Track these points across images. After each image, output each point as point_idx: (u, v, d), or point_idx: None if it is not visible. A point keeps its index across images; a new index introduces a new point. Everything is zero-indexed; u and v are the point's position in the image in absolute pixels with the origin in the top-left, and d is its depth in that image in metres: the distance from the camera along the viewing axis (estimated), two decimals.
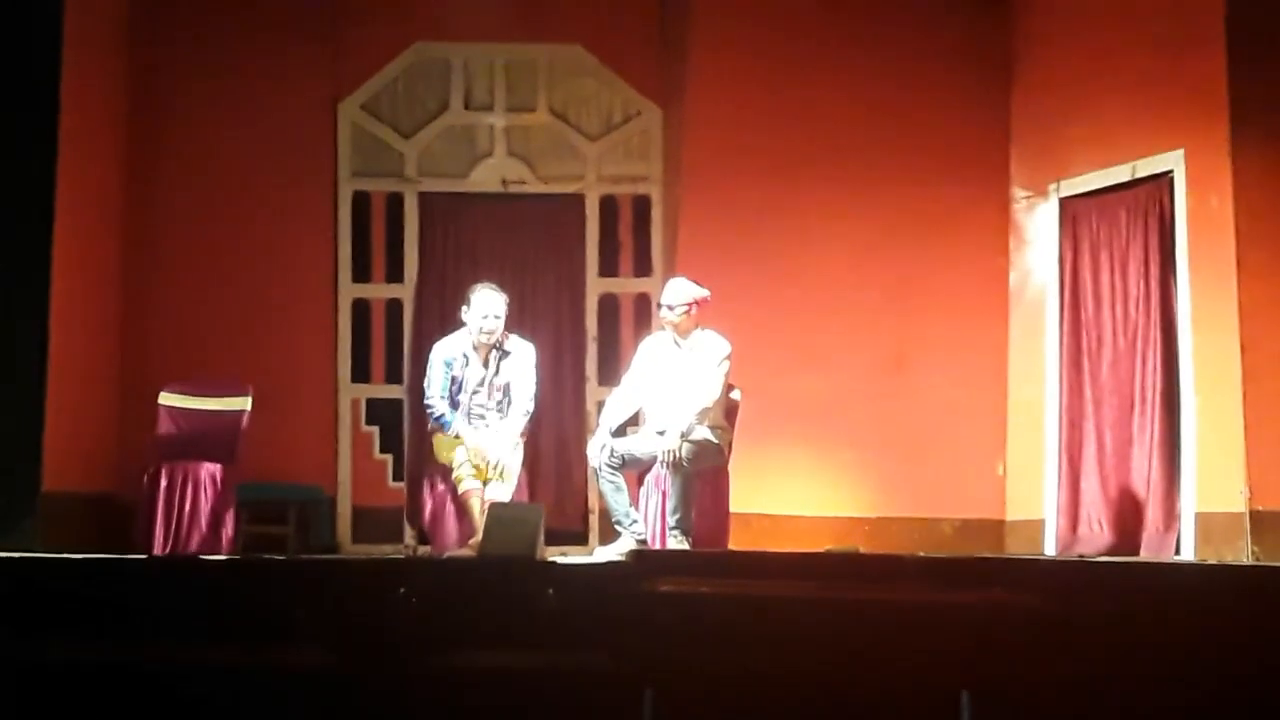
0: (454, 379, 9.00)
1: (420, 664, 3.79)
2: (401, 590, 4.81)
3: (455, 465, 8.82)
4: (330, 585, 5.02)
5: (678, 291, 8.99)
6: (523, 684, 3.66)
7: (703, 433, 8.73)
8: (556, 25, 11.07)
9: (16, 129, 9.35)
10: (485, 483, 8.77)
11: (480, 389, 9.00)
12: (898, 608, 5.48)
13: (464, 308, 9.05)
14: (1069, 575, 6.23)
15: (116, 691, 3.43)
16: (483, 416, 8.98)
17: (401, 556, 9.33)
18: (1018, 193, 10.54)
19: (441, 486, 8.92)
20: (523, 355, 9.09)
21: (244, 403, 9.63)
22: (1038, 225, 10.38)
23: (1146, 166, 9.51)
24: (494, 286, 9.06)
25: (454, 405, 8.96)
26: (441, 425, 8.96)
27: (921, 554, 8.38)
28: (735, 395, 9.11)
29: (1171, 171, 9.32)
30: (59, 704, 3.49)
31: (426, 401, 9.06)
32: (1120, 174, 9.68)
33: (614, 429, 8.92)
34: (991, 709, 5.13)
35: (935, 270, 10.57)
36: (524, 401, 9.01)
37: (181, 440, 9.47)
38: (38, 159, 9.42)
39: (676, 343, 8.98)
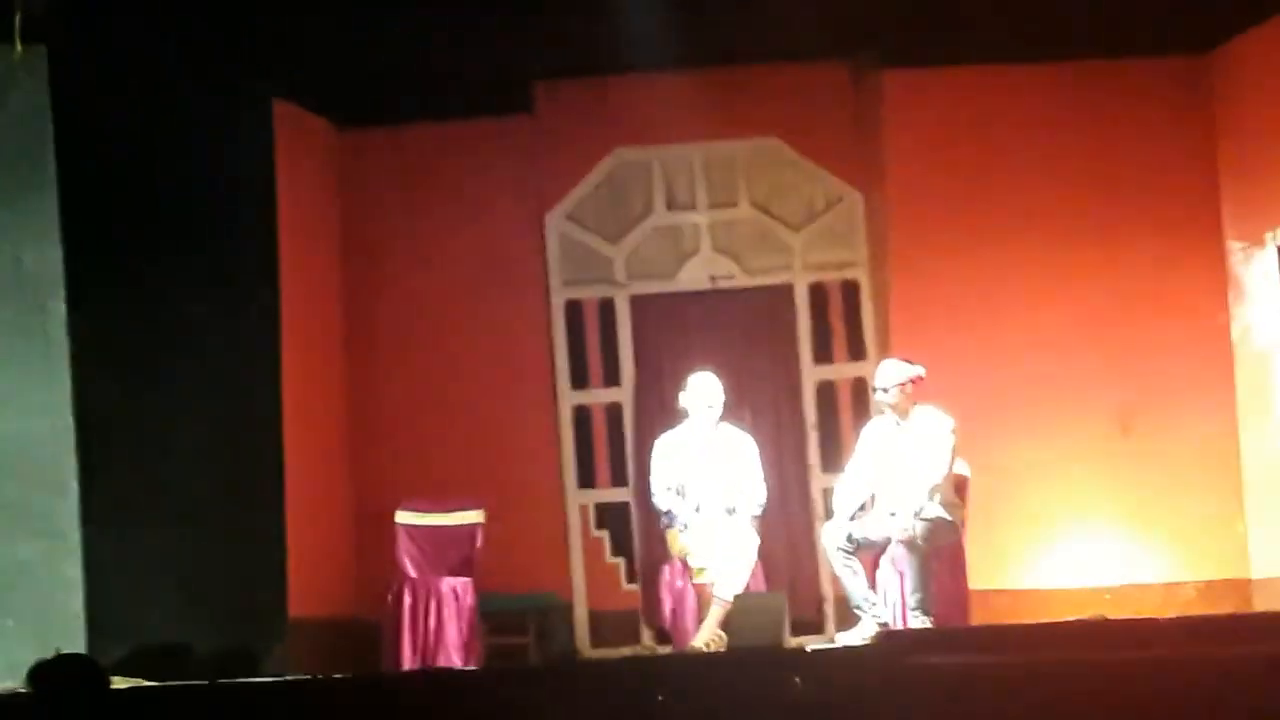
0: (677, 471, 9.14)
1: None
2: (659, 698, 4.87)
3: (691, 558, 8.91)
4: (592, 685, 5.09)
5: (890, 373, 9.00)
6: None
7: (935, 510, 8.68)
8: (752, 120, 11.13)
9: (240, 264, 9.57)
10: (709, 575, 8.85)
11: (705, 477, 9.11)
12: (1153, 666, 5.41)
13: (682, 396, 9.22)
14: None
15: None
16: (710, 506, 9.07)
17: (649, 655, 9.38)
18: (1233, 244, 10.37)
19: (680, 583, 8.99)
20: (745, 446, 9.22)
21: (478, 515, 9.81)
22: (1257, 275, 10.20)
23: None
24: (709, 369, 9.34)
25: (680, 496, 9.10)
26: (670, 520, 9.09)
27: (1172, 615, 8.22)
28: (963, 470, 9.05)
29: None
30: None
31: (653, 497, 9.22)
32: None
33: (850, 515, 8.92)
34: None
35: (1154, 328, 10.42)
36: (757, 494, 9.13)
37: (421, 557, 9.67)
38: (261, 294, 9.66)
39: (897, 423, 8.97)
